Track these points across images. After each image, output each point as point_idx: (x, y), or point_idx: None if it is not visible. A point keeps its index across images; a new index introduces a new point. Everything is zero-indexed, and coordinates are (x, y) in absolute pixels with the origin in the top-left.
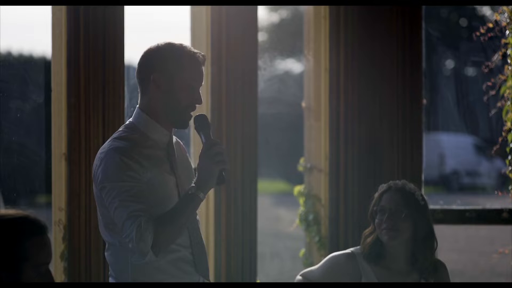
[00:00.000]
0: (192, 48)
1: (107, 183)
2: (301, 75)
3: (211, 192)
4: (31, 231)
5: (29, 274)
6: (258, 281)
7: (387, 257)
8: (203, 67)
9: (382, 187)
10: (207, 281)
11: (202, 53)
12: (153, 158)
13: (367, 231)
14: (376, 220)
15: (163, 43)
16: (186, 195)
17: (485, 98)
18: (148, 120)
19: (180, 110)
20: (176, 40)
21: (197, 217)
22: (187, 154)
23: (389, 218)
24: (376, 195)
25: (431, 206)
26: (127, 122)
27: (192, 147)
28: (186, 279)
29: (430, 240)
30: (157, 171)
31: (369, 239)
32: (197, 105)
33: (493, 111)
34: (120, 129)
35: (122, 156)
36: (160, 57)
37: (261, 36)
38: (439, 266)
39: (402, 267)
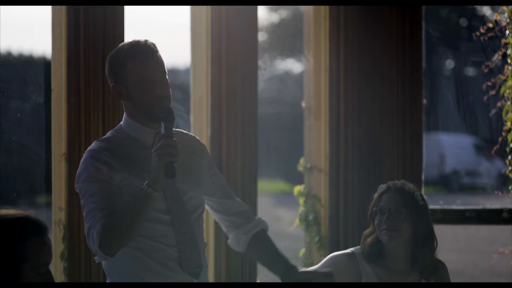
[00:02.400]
0: (139, 42)
1: (78, 184)
2: (301, 75)
3: None
4: (32, 231)
5: (29, 274)
6: (258, 281)
7: (387, 257)
8: (156, 55)
9: (381, 187)
10: (196, 280)
11: (150, 42)
12: (132, 159)
13: (367, 231)
14: (376, 221)
15: (112, 51)
16: (139, 191)
17: (485, 98)
18: (130, 122)
19: (146, 109)
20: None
21: (195, 216)
22: (199, 152)
23: (388, 219)
24: (375, 195)
25: (431, 206)
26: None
27: None
28: (174, 278)
29: (430, 240)
30: (131, 171)
31: (369, 240)
32: (166, 95)
33: (493, 111)
34: (109, 131)
35: (91, 158)
36: (109, 68)
37: (261, 36)
38: (439, 266)
39: (402, 267)
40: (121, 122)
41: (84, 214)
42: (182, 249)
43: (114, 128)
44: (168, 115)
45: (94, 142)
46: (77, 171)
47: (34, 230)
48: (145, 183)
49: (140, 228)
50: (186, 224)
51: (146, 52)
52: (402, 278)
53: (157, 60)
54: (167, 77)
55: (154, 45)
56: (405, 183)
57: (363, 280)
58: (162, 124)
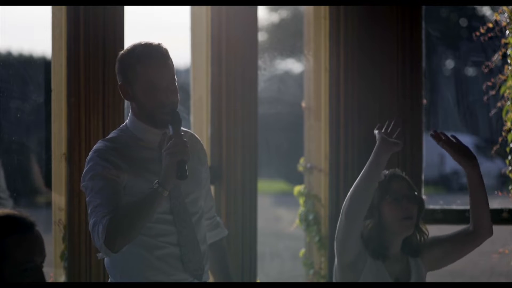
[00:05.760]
0: (151, 46)
1: (84, 182)
2: (301, 75)
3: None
4: (11, 229)
5: (10, 272)
6: (258, 281)
7: (387, 245)
8: (167, 61)
9: (381, 176)
10: (198, 281)
11: (163, 48)
12: (137, 159)
13: (369, 225)
14: (386, 210)
15: (124, 50)
16: (148, 189)
17: (485, 98)
18: (136, 121)
19: (149, 113)
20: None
21: (196, 218)
22: (202, 156)
23: (406, 205)
24: (378, 185)
25: (431, 206)
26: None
27: None
28: (176, 275)
29: (421, 222)
30: (136, 173)
31: (374, 234)
32: (172, 101)
33: (493, 111)
34: (114, 130)
35: (98, 158)
36: (119, 67)
37: (261, 36)
38: (423, 245)
39: (397, 253)
40: (126, 121)
41: (89, 211)
42: (184, 249)
43: (119, 128)
44: (175, 118)
45: (100, 141)
46: (84, 169)
47: (14, 228)
48: (155, 182)
49: (145, 226)
50: (188, 225)
51: (156, 57)
52: (397, 263)
53: (167, 66)
54: (176, 83)
55: (166, 50)
56: (396, 170)
57: (367, 265)
58: (170, 127)
